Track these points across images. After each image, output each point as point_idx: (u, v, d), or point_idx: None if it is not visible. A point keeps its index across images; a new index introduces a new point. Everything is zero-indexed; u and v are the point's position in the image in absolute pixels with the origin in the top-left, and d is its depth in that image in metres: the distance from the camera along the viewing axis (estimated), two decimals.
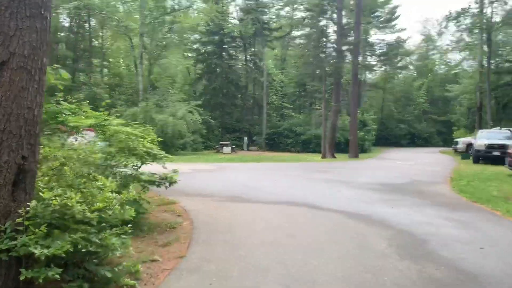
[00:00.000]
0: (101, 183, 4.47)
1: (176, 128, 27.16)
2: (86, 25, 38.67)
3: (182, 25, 35.96)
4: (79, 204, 3.66)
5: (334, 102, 28.15)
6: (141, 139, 7.44)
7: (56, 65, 5.58)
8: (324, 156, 27.29)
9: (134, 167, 7.40)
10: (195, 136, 32.09)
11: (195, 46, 40.54)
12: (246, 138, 37.30)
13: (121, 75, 39.71)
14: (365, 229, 6.96)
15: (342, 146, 32.51)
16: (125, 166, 7.21)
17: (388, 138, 48.63)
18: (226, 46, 39.26)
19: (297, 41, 42.13)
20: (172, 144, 27.94)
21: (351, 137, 27.63)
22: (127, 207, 4.38)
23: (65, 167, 4.84)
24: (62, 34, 38.26)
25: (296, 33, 41.72)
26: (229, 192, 10.82)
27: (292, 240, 6.21)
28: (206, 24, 39.00)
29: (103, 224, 3.97)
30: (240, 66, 42.40)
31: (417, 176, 15.34)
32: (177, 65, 44.27)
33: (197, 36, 40.10)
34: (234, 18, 42.20)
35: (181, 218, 7.98)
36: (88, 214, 3.65)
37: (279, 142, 37.11)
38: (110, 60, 40.57)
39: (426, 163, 22.00)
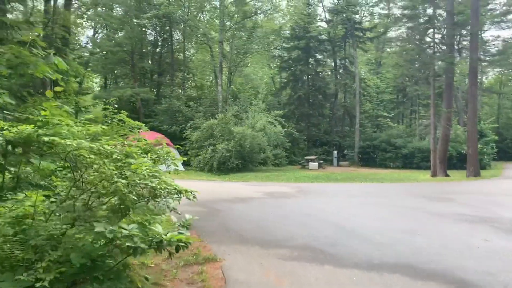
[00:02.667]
0: None
1: (255, 141, 23.98)
2: (172, 37, 37.83)
3: (264, 29, 33.07)
4: None
5: (446, 107, 22.79)
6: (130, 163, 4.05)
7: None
8: (434, 174, 22.11)
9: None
10: (278, 150, 28.69)
11: (278, 52, 37.40)
12: (335, 152, 33.00)
13: (203, 87, 37.94)
14: None
15: (453, 161, 26.91)
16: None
17: (508, 151, 40.85)
18: (312, 51, 35.56)
19: (396, 40, 36.86)
20: (250, 159, 24.81)
21: (470, 150, 21.99)
22: None
23: None
24: (148, 48, 37.86)
25: (393, 33, 36.67)
26: (309, 239, 6.97)
27: None
28: (290, 29, 35.90)
29: None
30: (328, 72, 38.45)
31: None
32: (259, 74, 41.68)
33: (281, 42, 36.91)
34: (321, 20, 38.40)
35: None
36: None
37: (375, 156, 32.15)
38: (192, 72, 39.07)
39: None
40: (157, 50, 38.48)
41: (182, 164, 25.39)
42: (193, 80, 39.58)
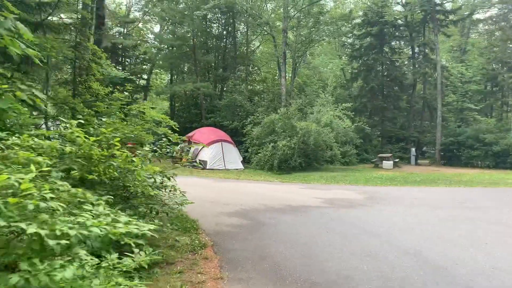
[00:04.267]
0: None
1: (320, 137, 21.64)
2: (237, 32, 36.57)
3: (332, 15, 30.43)
4: None
5: None
6: None
7: None
8: None
9: None
10: (347, 147, 26.06)
11: (349, 40, 34.49)
12: (413, 149, 29.56)
13: (266, 80, 36.12)
14: None
15: None
16: None
17: None
18: (387, 37, 32.27)
19: (487, 20, 32.31)
20: (315, 157, 22.54)
21: None
22: None
23: None
24: (213, 42, 36.92)
25: (480, 15, 32.18)
26: (376, 284, 4.73)
27: None
28: (362, 14, 32.85)
29: None
30: (405, 61, 34.79)
31: None
32: (328, 66, 38.95)
33: (351, 28, 33.93)
34: (397, 3, 34.75)
35: None
36: None
37: (460, 154, 28.19)
38: (256, 65, 37.43)
39: None
40: (222, 44, 37.41)
41: (241, 162, 23.90)
42: (257, 74, 37.93)
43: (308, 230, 7.42)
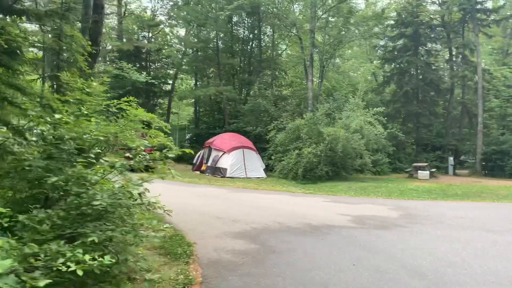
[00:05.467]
0: None
1: (349, 144, 19.90)
2: (263, 35, 35.33)
3: (363, 15, 28.69)
4: None
5: None
6: None
7: None
8: None
9: None
10: (379, 155, 24.17)
11: (380, 42, 32.59)
12: (451, 159, 27.31)
13: (293, 84, 34.60)
14: None
15: None
16: None
17: None
18: (422, 38, 30.20)
19: None
20: (343, 166, 20.80)
21: None
22: None
23: None
24: (238, 46, 35.80)
25: None
26: None
27: None
28: (395, 14, 30.97)
29: None
30: (442, 63, 32.52)
31: None
32: (359, 71, 37.08)
33: (384, 29, 32.03)
34: (433, 2, 32.64)
35: None
36: None
37: (503, 164, 25.73)
38: (282, 69, 36.01)
39: None
40: (247, 48, 36.22)
41: (264, 170, 22.41)
42: (283, 78, 36.47)
43: (329, 262, 5.85)
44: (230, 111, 30.51)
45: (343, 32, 27.75)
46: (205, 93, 29.33)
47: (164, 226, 4.62)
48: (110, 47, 35.26)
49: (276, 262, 5.76)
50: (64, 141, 4.78)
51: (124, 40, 32.97)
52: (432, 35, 31.06)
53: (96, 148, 5.50)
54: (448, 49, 31.89)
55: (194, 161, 25.04)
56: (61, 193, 4.41)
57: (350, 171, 21.43)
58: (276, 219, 8.80)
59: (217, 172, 21.14)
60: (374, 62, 36.71)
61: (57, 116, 4.35)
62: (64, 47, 7.55)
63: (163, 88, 37.90)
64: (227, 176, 20.27)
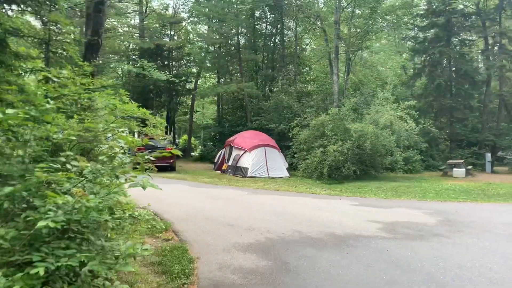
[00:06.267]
0: None
1: (379, 141, 18.58)
2: (284, 27, 34.21)
3: (391, 4, 27.20)
4: None
5: None
6: None
7: None
8: None
9: None
10: (410, 152, 22.75)
11: (410, 33, 30.88)
12: (489, 155, 25.50)
13: (317, 79, 33.32)
14: None
15: None
16: None
17: None
18: (455, 28, 28.36)
19: None
20: (372, 164, 19.49)
21: None
22: None
23: None
24: (261, 41, 34.81)
25: None
26: None
27: None
28: (426, 2, 29.28)
29: None
30: (477, 54, 30.55)
31: None
32: (387, 65, 35.44)
33: (414, 19, 30.35)
34: None
35: None
36: None
37: None
38: (306, 64, 34.81)
39: None
40: (270, 43, 35.19)
41: (287, 169, 21.33)
42: (307, 73, 35.25)
43: (355, 285, 4.78)
44: (253, 108, 29.58)
45: (370, 22, 26.32)
46: (226, 90, 28.53)
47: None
48: (131, 46, 34.92)
49: (290, 285, 4.73)
50: (25, 142, 3.95)
51: (146, 38, 32.54)
52: (466, 24, 29.15)
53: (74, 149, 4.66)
54: (483, 38, 29.88)
55: (215, 160, 24.28)
56: (24, 205, 3.58)
57: (380, 169, 20.09)
58: (295, 227, 7.76)
59: (238, 171, 20.24)
60: (404, 55, 35.01)
61: (9, 111, 3.46)
62: (53, 37, 6.77)
63: (186, 86, 37.35)
64: (248, 176, 19.33)
